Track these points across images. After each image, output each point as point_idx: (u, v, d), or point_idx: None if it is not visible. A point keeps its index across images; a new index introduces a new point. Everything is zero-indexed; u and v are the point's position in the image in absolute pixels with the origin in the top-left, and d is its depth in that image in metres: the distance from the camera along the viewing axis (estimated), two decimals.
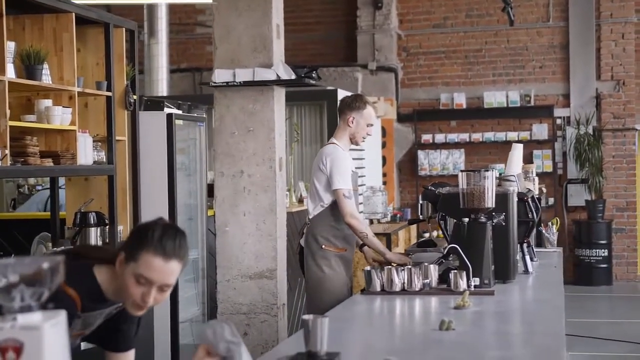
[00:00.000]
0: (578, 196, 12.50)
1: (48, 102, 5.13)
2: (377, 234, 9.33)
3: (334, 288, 5.12)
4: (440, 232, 11.65)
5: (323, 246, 5.18)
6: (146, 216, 6.23)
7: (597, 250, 12.13)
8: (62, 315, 1.82)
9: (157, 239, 2.51)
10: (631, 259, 12.55)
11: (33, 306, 1.80)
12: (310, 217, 5.29)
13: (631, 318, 10.04)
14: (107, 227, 5.69)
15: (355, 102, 5.32)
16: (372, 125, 5.35)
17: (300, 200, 7.89)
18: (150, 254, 2.50)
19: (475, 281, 4.23)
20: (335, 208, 5.15)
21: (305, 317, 2.70)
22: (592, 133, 12.30)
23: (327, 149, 5.27)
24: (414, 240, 10.24)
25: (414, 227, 11.41)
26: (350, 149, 5.38)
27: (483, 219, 4.37)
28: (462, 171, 4.47)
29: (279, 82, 6.01)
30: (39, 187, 9.15)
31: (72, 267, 2.58)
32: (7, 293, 1.79)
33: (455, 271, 4.19)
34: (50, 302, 2.41)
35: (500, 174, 5.49)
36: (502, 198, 4.53)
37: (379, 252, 5.18)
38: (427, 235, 11.87)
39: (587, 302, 11.24)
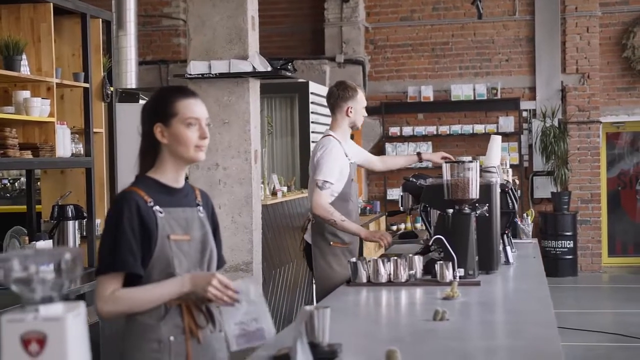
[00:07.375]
0: (544, 188, 12.64)
1: (26, 94, 5.05)
2: None
3: (342, 283, 5.06)
4: (411, 224, 11.67)
5: (331, 243, 5.15)
6: None
7: (563, 241, 12.27)
8: (82, 307, 1.80)
9: (175, 92, 2.85)
10: (595, 250, 12.71)
11: (54, 297, 1.78)
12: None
13: (596, 308, 10.18)
14: (85, 220, 5.62)
15: (348, 92, 5.35)
16: (365, 105, 5.48)
17: (274, 193, 7.87)
18: (182, 100, 2.81)
19: (460, 272, 4.25)
20: (338, 203, 5.09)
21: (308, 308, 2.70)
22: (557, 126, 12.43)
23: (323, 141, 5.25)
24: None
25: (383, 219, 11.48)
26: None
27: (467, 210, 4.39)
28: (446, 162, 4.49)
29: (254, 74, 5.97)
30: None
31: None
32: (28, 284, 1.77)
33: (441, 262, 4.21)
34: (115, 204, 2.76)
35: None
36: (486, 189, 4.55)
37: (354, 234, 5.14)
38: (394, 227, 11.94)
39: (553, 293, 11.16)
